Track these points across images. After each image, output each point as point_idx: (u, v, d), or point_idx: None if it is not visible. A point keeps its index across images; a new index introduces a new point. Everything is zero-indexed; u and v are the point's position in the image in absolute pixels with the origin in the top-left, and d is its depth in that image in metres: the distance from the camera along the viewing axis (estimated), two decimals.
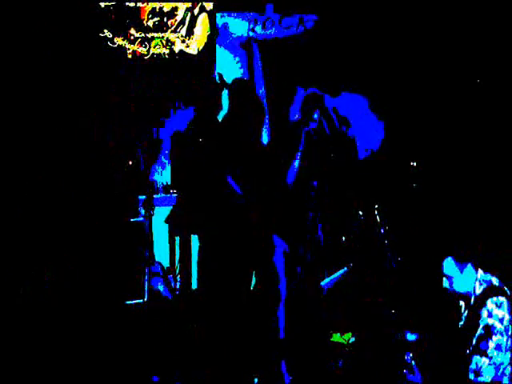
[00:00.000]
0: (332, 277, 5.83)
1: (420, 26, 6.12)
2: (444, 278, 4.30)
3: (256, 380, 5.18)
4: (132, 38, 6.13)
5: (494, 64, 6.01)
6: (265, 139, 6.13)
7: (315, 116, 5.58)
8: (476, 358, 4.12)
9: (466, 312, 4.26)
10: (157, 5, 6.17)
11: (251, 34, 6.44)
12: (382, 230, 5.61)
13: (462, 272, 4.23)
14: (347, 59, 6.22)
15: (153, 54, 6.17)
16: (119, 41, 6.08)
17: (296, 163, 5.47)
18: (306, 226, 5.58)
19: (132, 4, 6.13)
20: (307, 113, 5.62)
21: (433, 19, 6.10)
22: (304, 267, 5.61)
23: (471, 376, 4.13)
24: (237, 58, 6.53)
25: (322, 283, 5.77)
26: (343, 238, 5.84)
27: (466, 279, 4.24)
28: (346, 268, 5.82)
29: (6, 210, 5.51)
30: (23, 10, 5.69)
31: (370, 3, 6.24)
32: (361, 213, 5.77)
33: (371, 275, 5.52)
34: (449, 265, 4.25)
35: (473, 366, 4.13)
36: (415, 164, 5.97)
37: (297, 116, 5.84)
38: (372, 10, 6.22)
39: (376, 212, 5.69)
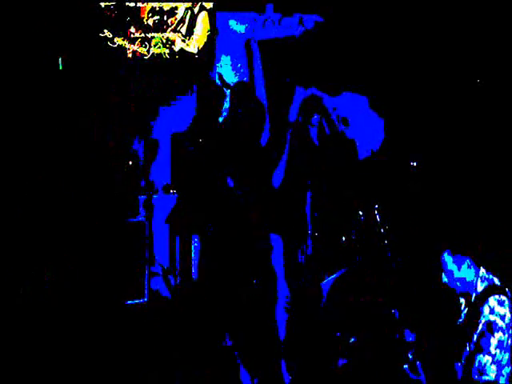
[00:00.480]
0: (332, 277, 5.84)
1: (420, 24, 6.11)
2: (443, 274, 4.30)
3: (256, 380, 5.19)
4: (132, 37, 6.13)
5: (494, 64, 6.01)
6: (264, 139, 6.12)
7: (314, 121, 5.57)
8: (479, 356, 4.12)
9: (467, 309, 4.26)
10: (157, 4, 6.17)
11: (251, 33, 6.44)
12: (382, 230, 5.62)
13: (462, 269, 4.23)
14: (347, 59, 6.21)
15: (153, 53, 6.17)
16: (119, 41, 6.08)
17: (282, 164, 5.47)
18: (305, 225, 5.58)
19: (132, 4, 6.12)
20: (306, 117, 5.62)
21: (433, 18, 6.10)
22: (304, 267, 5.61)
23: (475, 375, 4.12)
24: (237, 58, 6.52)
25: (322, 283, 5.77)
26: (343, 238, 5.84)
27: (467, 276, 4.24)
28: (346, 268, 5.82)
29: (6, 210, 5.51)
30: (23, 9, 5.69)
31: (369, 2, 6.24)
32: (361, 213, 5.77)
33: (371, 275, 5.52)
34: (449, 261, 4.25)
35: (476, 365, 4.12)
36: (415, 164, 5.97)
37: (296, 118, 5.85)
38: (372, 9, 6.22)
39: (376, 212, 5.69)
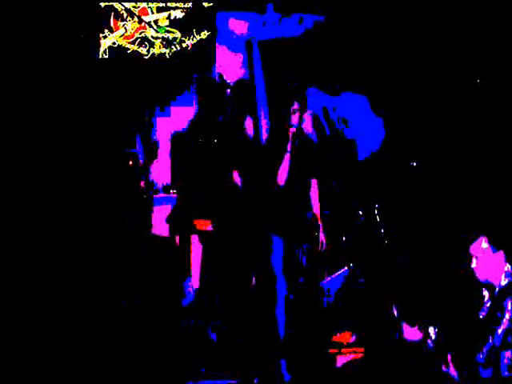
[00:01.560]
0: (332, 277, 5.84)
1: (420, 24, 6.12)
2: (474, 260, 4.24)
3: (256, 380, 5.18)
4: (132, 37, 6.13)
5: (494, 64, 6.01)
6: (264, 139, 6.14)
7: (295, 111, 5.45)
8: (505, 352, 4.09)
9: (490, 303, 4.24)
10: (157, 4, 6.18)
11: (251, 34, 6.44)
12: (382, 230, 5.62)
13: (492, 260, 4.19)
14: (347, 59, 6.22)
15: (153, 53, 6.17)
16: (119, 41, 6.08)
17: (286, 163, 5.42)
18: (305, 225, 5.58)
19: (132, 4, 6.12)
20: (302, 115, 5.57)
21: (433, 18, 6.11)
22: (304, 267, 5.61)
23: (503, 371, 4.10)
24: (237, 58, 6.53)
25: (322, 283, 5.77)
26: (343, 238, 5.85)
27: (495, 269, 4.20)
28: (346, 268, 5.83)
29: (6, 210, 5.52)
30: (23, 9, 5.70)
31: (370, 2, 6.24)
32: (361, 213, 5.77)
33: (371, 275, 5.53)
34: (482, 248, 4.20)
35: (504, 361, 4.10)
36: (415, 164, 5.97)
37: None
38: (372, 8, 6.23)
39: (376, 212, 5.69)
